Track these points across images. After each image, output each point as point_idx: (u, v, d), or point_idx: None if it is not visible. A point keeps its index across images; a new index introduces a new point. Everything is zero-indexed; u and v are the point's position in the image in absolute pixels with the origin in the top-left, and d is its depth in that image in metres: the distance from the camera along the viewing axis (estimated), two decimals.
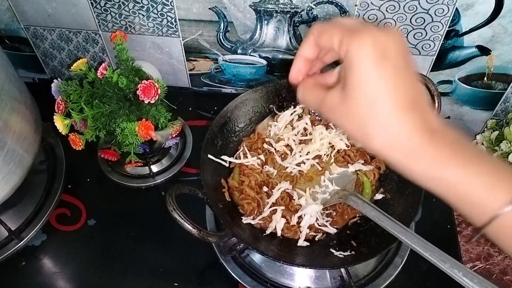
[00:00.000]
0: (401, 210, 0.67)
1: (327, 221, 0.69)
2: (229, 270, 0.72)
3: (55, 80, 0.74)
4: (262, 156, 0.74)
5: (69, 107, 0.70)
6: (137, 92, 0.70)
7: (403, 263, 0.72)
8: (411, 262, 0.72)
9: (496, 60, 0.79)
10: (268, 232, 0.68)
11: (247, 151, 0.75)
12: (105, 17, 0.84)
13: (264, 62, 0.90)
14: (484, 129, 0.83)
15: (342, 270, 0.68)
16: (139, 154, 0.76)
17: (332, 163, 0.73)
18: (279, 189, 0.70)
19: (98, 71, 0.73)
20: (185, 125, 0.91)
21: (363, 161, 0.73)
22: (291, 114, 0.77)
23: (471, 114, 0.91)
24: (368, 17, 0.76)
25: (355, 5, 0.74)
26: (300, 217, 0.68)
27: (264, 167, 0.74)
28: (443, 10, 0.72)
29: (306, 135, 0.76)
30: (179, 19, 0.82)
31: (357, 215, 0.71)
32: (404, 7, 0.73)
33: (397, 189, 0.70)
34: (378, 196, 0.71)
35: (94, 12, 0.83)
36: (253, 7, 0.79)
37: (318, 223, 0.68)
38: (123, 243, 0.77)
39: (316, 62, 0.43)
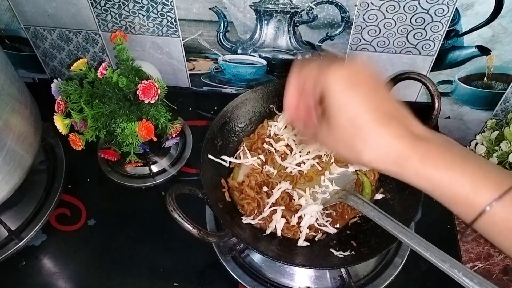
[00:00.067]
0: (401, 210, 0.67)
1: (327, 221, 0.69)
2: (229, 270, 0.72)
3: (55, 80, 0.74)
4: (262, 156, 0.75)
5: (69, 107, 0.70)
6: (137, 92, 0.70)
7: (403, 263, 0.72)
8: (411, 262, 0.72)
9: (496, 60, 0.79)
10: (268, 232, 0.68)
11: (247, 151, 0.75)
12: (105, 17, 0.84)
13: (264, 62, 0.89)
14: (484, 129, 0.83)
15: (342, 270, 0.68)
16: (139, 154, 0.76)
17: (332, 163, 0.73)
18: (279, 189, 0.70)
19: (98, 71, 0.73)
20: (185, 125, 0.91)
21: None
22: None
23: (471, 114, 0.91)
24: (368, 17, 0.76)
25: (355, 5, 0.74)
26: (300, 217, 0.68)
27: (264, 167, 0.74)
28: (443, 10, 0.72)
29: None
30: (179, 19, 0.82)
31: (357, 215, 0.71)
32: (404, 7, 0.73)
33: (397, 189, 0.70)
34: (378, 196, 0.71)
35: (94, 12, 0.83)
36: (253, 7, 0.79)
37: (318, 223, 0.68)
38: (123, 243, 0.77)
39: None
